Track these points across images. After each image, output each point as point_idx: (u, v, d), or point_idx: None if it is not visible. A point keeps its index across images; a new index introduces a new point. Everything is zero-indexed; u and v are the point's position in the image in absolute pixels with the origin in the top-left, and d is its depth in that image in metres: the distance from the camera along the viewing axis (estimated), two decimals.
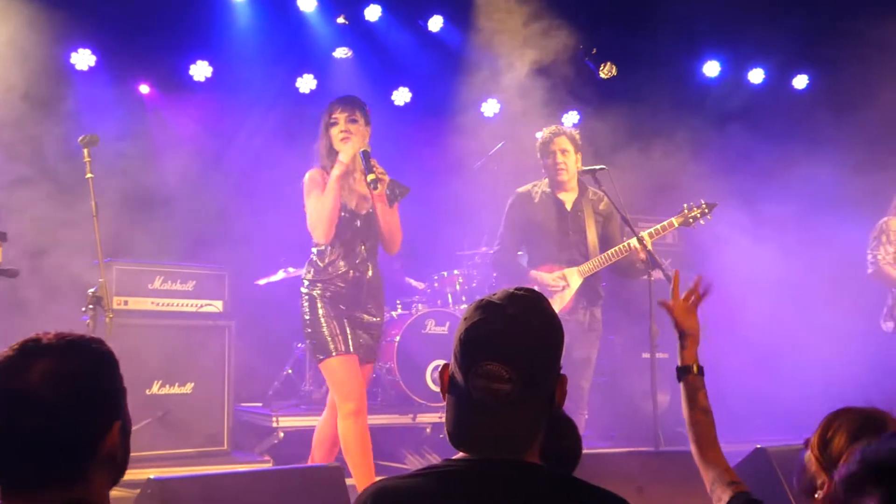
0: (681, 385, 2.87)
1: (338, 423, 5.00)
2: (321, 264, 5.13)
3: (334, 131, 5.12)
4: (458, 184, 8.14)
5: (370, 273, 5.20)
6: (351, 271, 5.13)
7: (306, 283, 5.17)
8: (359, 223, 5.19)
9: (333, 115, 5.13)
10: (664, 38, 8.76)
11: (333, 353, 5.00)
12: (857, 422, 2.27)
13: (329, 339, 5.02)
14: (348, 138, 5.07)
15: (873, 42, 7.97)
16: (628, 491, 4.33)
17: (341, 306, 5.11)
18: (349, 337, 5.06)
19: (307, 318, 5.11)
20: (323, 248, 5.14)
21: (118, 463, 1.85)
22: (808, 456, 2.33)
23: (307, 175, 5.18)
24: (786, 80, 9.36)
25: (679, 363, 2.89)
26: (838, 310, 7.85)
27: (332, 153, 5.12)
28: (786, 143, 8.34)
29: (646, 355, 5.93)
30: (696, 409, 2.80)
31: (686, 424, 2.83)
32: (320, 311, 5.06)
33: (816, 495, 2.29)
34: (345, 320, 5.09)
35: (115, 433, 1.82)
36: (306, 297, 5.14)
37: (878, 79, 7.79)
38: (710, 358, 8.32)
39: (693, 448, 2.79)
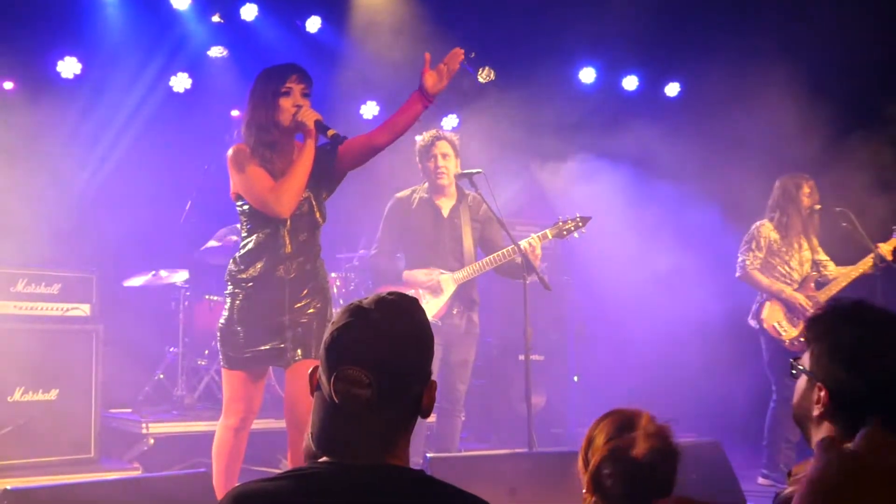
0: None
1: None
2: None
3: (286, 102, 4.34)
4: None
5: None
6: None
7: None
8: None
9: (287, 85, 4.35)
10: (542, 44, 8.86)
11: None
12: (616, 423, 2.35)
13: None
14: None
15: (741, 52, 8.24)
16: (500, 493, 4.36)
17: None
18: None
19: None
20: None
21: None
22: (579, 459, 2.42)
23: (236, 149, 4.37)
24: (658, 88, 9.59)
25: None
26: (714, 308, 8.04)
27: (275, 126, 4.34)
28: (659, 148, 8.51)
29: (521, 357, 5.97)
30: None
31: None
32: None
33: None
34: None
35: None
36: None
37: (746, 87, 8.04)
38: (587, 358, 8.44)
39: None
